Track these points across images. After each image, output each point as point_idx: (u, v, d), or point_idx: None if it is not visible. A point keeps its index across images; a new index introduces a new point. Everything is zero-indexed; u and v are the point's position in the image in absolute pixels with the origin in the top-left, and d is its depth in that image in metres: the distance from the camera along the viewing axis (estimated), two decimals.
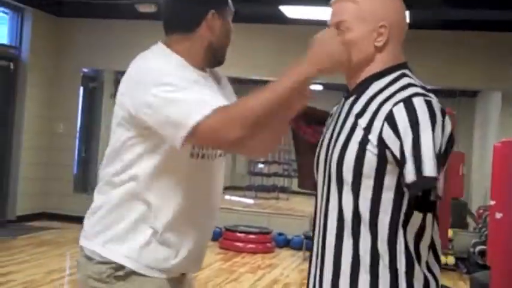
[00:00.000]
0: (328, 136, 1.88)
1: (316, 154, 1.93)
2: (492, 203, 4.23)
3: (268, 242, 8.39)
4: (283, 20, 8.29)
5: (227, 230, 8.40)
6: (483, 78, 8.22)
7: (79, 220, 8.37)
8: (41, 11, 9.19)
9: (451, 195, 8.58)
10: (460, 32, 8.07)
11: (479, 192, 9.86)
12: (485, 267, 5.45)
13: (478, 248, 7.16)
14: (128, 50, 9.45)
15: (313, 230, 1.90)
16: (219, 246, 8.34)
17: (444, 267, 7.72)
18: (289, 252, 8.36)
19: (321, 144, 1.91)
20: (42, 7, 9.17)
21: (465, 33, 8.07)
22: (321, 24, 7.34)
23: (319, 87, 12.19)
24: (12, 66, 8.87)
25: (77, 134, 9.86)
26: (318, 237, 1.85)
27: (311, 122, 5.07)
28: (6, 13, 8.96)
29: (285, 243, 8.62)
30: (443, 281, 6.59)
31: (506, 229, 3.99)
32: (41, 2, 9.04)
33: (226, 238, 8.32)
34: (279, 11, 7.93)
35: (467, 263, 7.66)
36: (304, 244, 8.01)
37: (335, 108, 1.97)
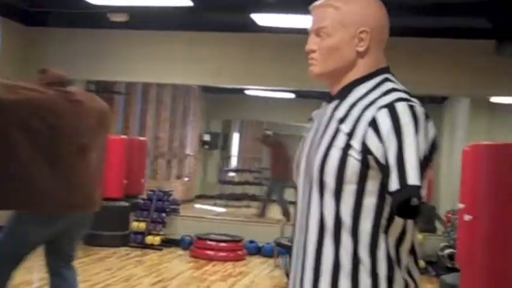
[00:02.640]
0: (309, 140, 1.87)
1: (296, 158, 1.92)
2: (461, 206, 4.28)
3: (239, 249, 8.38)
4: (255, 27, 8.31)
5: (198, 238, 8.38)
6: (451, 84, 8.32)
7: None
8: (10, 20, 9.09)
9: None
10: (427, 40, 8.16)
11: (447, 196, 9.97)
12: (453, 269, 5.51)
13: (447, 251, 7.23)
14: (98, 59, 9.56)
15: (293, 234, 1.88)
16: (190, 254, 8.32)
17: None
18: (260, 260, 8.35)
19: (302, 148, 1.90)
20: (11, 16, 9.07)
21: (432, 41, 8.17)
22: (292, 32, 7.48)
23: (292, 95, 12.24)
24: None
25: None
26: (299, 242, 1.84)
27: None
28: None
29: (256, 250, 8.62)
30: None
31: (475, 231, 4.04)
32: (10, 11, 8.95)
33: (197, 246, 8.30)
34: (250, 19, 7.94)
35: (436, 267, 7.73)
36: (275, 251, 8.01)
37: (315, 112, 1.96)
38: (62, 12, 8.99)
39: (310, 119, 1.97)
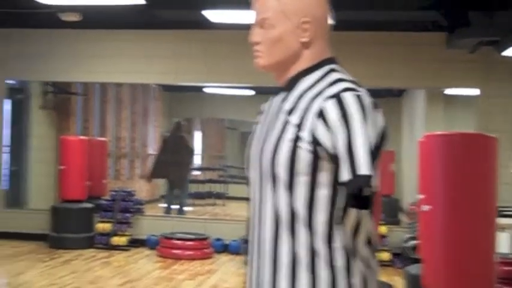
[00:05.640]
0: (259, 133, 1.86)
1: (246, 152, 1.91)
2: (420, 196, 4.35)
3: (206, 247, 8.38)
4: (209, 24, 8.31)
5: (164, 237, 8.36)
6: (404, 77, 8.45)
7: (11, 236, 8.27)
8: None
9: (383, 193, 8.82)
10: (380, 33, 8.27)
11: (410, 188, 10.10)
12: (417, 261, 5.59)
13: (411, 242, 7.32)
14: (54, 60, 9.47)
15: (249, 229, 1.87)
16: (157, 254, 8.30)
17: (380, 263, 7.87)
18: (227, 257, 8.37)
19: (253, 141, 1.89)
20: None
21: (385, 34, 8.27)
22: (247, 27, 7.41)
23: (252, 92, 12.26)
24: None
25: (5, 147, 9.61)
26: (254, 237, 1.83)
27: None
28: None
29: (223, 248, 8.63)
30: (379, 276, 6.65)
31: (434, 221, 4.11)
32: None
33: (164, 246, 8.29)
34: (202, 15, 7.93)
35: (402, 258, 7.83)
36: (242, 248, 8.05)
37: (264, 105, 1.96)
38: (14, 12, 8.84)
39: (260, 113, 1.97)
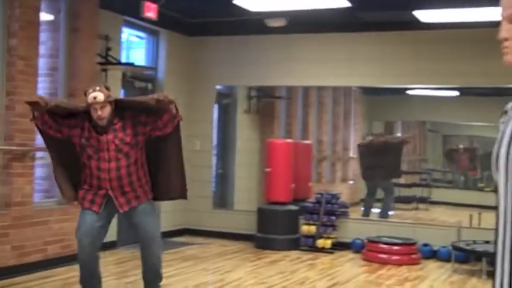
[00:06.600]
0: (503, 134, 1.73)
1: (495, 152, 1.76)
2: None
3: (414, 253, 8.09)
4: (418, 25, 8.07)
5: (370, 241, 8.19)
6: None
7: (219, 235, 8.55)
8: (174, 33, 9.43)
9: None
10: None
11: None
12: None
13: None
14: (259, 65, 9.69)
15: (496, 234, 1.73)
16: (362, 258, 8.16)
17: None
18: (436, 264, 8.02)
19: (500, 141, 1.75)
20: (175, 28, 9.41)
21: None
22: (456, 26, 7.06)
23: (456, 93, 11.78)
24: (150, 86, 9.13)
25: (214, 151, 9.99)
26: (503, 241, 1.69)
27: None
28: (142, 38, 9.27)
29: (431, 254, 8.29)
30: None
31: None
32: (174, 23, 9.28)
33: (370, 250, 8.11)
34: (413, 16, 7.70)
35: None
36: (453, 255, 7.65)
37: (510, 104, 1.81)
38: (222, 21, 9.20)
39: (505, 112, 1.83)
